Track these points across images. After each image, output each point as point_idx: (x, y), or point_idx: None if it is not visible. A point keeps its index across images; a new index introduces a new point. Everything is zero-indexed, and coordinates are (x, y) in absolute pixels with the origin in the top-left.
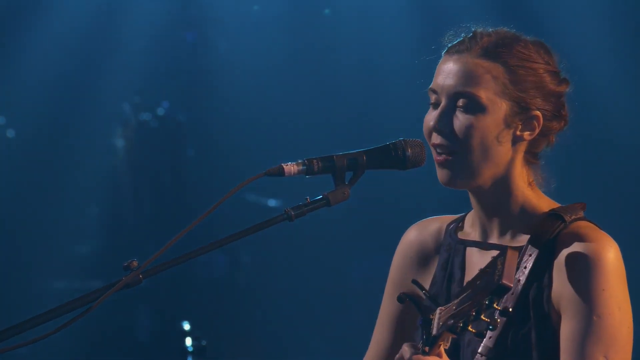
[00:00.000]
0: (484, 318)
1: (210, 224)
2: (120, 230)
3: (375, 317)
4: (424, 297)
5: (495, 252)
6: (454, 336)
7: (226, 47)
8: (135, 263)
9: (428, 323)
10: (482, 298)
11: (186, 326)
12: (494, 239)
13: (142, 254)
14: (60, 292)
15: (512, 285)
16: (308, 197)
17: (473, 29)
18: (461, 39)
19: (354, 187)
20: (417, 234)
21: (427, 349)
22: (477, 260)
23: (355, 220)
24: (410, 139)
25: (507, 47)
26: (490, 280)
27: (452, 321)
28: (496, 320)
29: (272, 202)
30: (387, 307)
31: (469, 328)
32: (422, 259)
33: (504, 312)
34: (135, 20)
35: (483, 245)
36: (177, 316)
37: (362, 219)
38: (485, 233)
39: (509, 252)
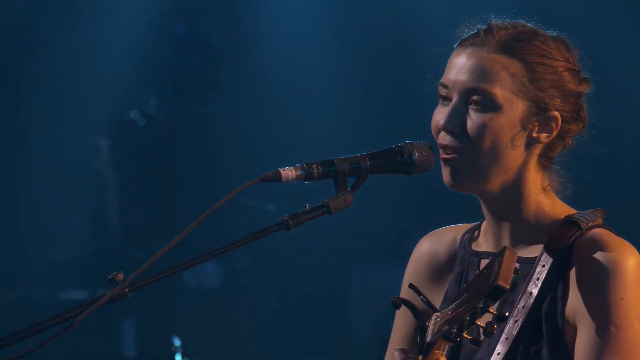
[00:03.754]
0: (478, 323)
1: (202, 229)
2: (104, 236)
3: (379, 331)
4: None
5: None
6: (450, 344)
7: (219, 41)
8: (120, 276)
9: (424, 330)
10: (477, 301)
11: (176, 342)
12: None
13: (128, 261)
14: (39, 302)
15: (507, 287)
16: (307, 205)
17: (488, 21)
18: (476, 31)
19: (356, 193)
20: (430, 245)
21: (420, 357)
22: None
23: (357, 227)
24: (417, 142)
25: (525, 42)
26: (486, 282)
27: (446, 327)
28: (492, 326)
29: (268, 207)
30: (400, 325)
31: (464, 335)
32: (435, 272)
33: (500, 318)
34: (123, 12)
35: None
36: (166, 330)
37: (363, 226)
38: (498, 243)
39: (507, 252)
